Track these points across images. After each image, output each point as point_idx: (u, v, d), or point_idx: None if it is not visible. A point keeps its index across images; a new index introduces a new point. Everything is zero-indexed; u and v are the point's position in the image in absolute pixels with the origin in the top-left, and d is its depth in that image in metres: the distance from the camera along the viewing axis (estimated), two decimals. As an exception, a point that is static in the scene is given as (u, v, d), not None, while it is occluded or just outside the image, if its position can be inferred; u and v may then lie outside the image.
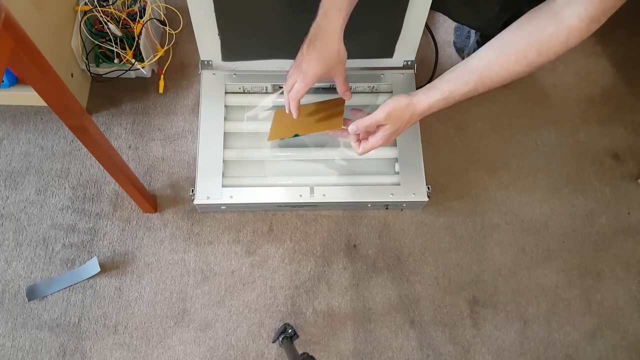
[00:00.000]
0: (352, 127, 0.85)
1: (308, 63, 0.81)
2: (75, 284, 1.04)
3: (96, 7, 1.06)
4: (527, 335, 1.05)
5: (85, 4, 1.07)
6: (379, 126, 0.83)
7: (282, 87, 1.08)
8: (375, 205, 1.09)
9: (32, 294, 1.03)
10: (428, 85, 0.81)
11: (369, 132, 0.86)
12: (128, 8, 1.09)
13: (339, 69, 0.85)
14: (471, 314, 1.06)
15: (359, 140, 0.87)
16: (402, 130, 0.83)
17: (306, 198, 1.02)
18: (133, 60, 1.09)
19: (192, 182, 1.04)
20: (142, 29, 1.07)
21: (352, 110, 0.98)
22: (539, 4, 0.74)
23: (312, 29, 0.80)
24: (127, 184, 0.97)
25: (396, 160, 1.06)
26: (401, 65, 1.11)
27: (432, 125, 1.18)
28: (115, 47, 1.08)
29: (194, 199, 1.01)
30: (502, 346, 1.04)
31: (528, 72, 0.75)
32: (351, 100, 0.95)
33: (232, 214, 1.10)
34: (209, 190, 1.02)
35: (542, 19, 0.71)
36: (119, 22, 1.08)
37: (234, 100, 1.10)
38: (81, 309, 1.03)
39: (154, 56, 1.13)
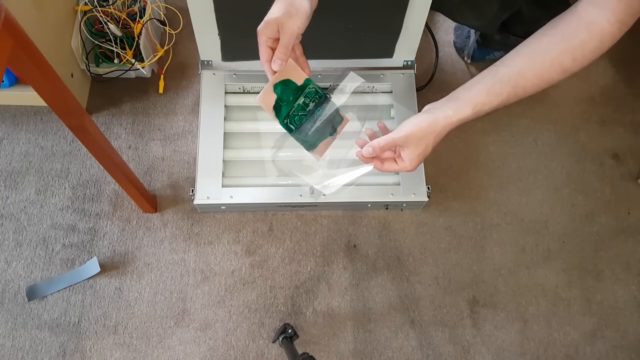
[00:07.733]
0: (367, 150, 0.75)
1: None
2: (75, 284, 1.04)
3: (96, 7, 1.06)
4: (527, 335, 1.05)
5: (85, 4, 1.07)
6: (399, 148, 0.75)
7: None
8: (375, 205, 1.09)
9: (32, 294, 1.03)
10: (452, 96, 0.74)
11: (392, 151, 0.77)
12: (128, 8, 1.09)
13: (291, 22, 0.69)
14: (471, 314, 1.06)
15: (379, 160, 0.77)
16: (430, 150, 0.74)
17: (306, 198, 1.02)
18: (133, 60, 1.09)
19: (192, 182, 1.04)
20: (142, 29, 1.07)
21: (379, 123, 0.84)
22: (539, 2, 0.74)
23: None
24: (127, 184, 0.97)
25: (396, 160, 1.06)
26: (401, 65, 1.11)
27: (432, 125, 1.18)
28: (115, 47, 1.08)
29: (194, 199, 1.01)
30: (502, 346, 1.04)
31: (561, 79, 0.72)
32: (348, 100, 0.89)
33: (232, 214, 1.10)
34: (209, 190, 1.02)
35: (571, 25, 0.69)
36: (119, 22, 1.08)
37: (234, 100, 1.10)
38: (81, 309, 1.03)
39: (154, 56, 1.13)
